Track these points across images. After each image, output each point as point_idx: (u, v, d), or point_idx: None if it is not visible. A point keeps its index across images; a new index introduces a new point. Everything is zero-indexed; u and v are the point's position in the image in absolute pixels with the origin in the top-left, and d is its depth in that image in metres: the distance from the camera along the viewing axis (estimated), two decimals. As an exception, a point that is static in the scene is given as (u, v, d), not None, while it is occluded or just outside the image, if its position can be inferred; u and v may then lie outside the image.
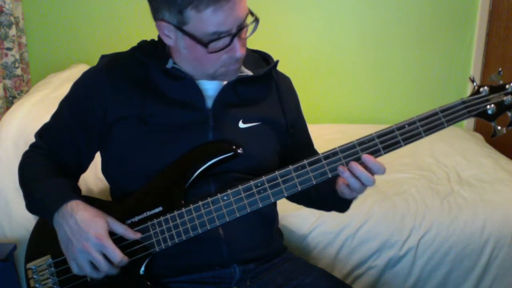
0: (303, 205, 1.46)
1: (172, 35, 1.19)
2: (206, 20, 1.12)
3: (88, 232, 1.13)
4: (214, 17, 1.12)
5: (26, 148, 1.35)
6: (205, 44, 1.15)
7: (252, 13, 1.19)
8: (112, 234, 1.18)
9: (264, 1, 2.72)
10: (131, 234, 1.18)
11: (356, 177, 1.16)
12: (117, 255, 1.14)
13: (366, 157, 1.15)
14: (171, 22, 1.16)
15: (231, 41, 1.16)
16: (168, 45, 1.25)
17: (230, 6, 1.11)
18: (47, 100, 1.88)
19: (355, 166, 1.15)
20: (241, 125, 1.28)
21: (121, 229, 1.18)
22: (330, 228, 1.80)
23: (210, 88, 1.28)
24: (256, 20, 1.20)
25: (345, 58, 2.87)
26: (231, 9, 1.12)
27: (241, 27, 1.17)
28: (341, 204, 1.34)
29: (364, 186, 1.18)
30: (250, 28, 1.20)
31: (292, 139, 1.37)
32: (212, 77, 1.24)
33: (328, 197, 1.31)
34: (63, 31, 2.72)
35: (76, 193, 1.23)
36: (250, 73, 1.31)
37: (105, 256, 1.14)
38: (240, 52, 1.18)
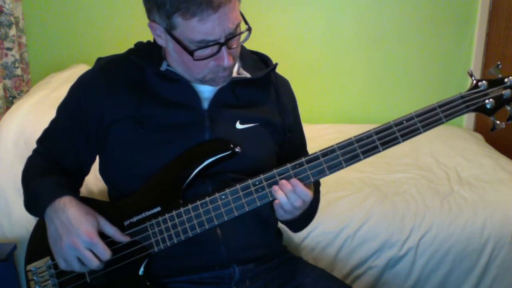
0: None
1: (163, 36, 1.19)
2: (193, 28, 1.11)
3: (79, 229, 1.14)
4: (200, 26, 1.11)
5: (26, 148, 1.36)
6: (190, 52, 1.14)
7: (246, 22, 1.18)
8: (106, 237, 1.18)
9: (264, 1, 2.72)
10: (120, 237, 1.19)
11: (287, 197, 1.16)
12: (107, 254, 1.15)
13: (294, 181, 1.16)
14: (161, 25, 1.16)
15: (219, 50, 1.15)
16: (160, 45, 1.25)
17: (218, 16, 1.10)
18: (47, 100, 1.89)
19: (286, 184, 1.16)
20: (238, 126, 1.27)
21: (111, 230, 1.19)
22: (330, 228, 1.80)
23: (206, 90, 1.27)
24: (249, 30, 1.18)
25: (345, 57, 2.86)
26: (219, 19, 1.10)
27: (230, 37, 1.15)
28: (286, 224, 1.36)
29: (294, 207, 1.17)
30: (244, 35, 1.19)
31: (289, 142, 1.37)
32: (201, 81, 1.24)
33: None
34: (63, 31, 2.72)
35: (72, 191, 1.23)
36: (248, 75, 1.31)
37: (93, 253, 1.15)
38: (227, 61, 1.16)
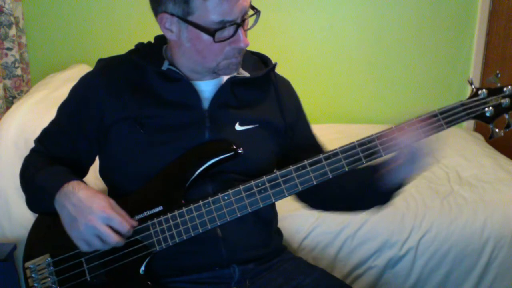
0: (323, 209, 1.42)
1: (175, 28, 1.20)
2: (212, 9, 1.13)
3: (92, 207, 1.13)
4: (219, 6, 1.13)
5: (26, 148, 1.35)
6: (211, 33, 1.15)
7: (252, 7, 1.20)
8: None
9: (264, 0, 2.72)
10: (129, 219, 1.16)
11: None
12: (125, 226, 1.14)
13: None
14: (175, 13, 1.17)
15: (236, 31, 1.17)
16: (169, 39, 1.25)
17: None
18: (47, 100, 1.89)
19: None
20: (238, 127, 1.28)
21: (121, 211, 1.16)
22: (330, 228, 1.80)
23: (207, 90, 1.28)
24: (257, 13, 1.20)
25: (345, 58, 2.87)
26: None
27: (245, 17, 1.18)
28: (382, 195, 1.28)
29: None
30: (251, 21, 1.21)
31: (293, 142, 1.37)
32: (214, 71, 1.24)
33: (367, 188, 1.27)
34: (63, 31, 2.72)
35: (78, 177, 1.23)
36: (247, 75, 1.31)
37: (112, 228, 1.13)
38: (244, 43, 1.19)
